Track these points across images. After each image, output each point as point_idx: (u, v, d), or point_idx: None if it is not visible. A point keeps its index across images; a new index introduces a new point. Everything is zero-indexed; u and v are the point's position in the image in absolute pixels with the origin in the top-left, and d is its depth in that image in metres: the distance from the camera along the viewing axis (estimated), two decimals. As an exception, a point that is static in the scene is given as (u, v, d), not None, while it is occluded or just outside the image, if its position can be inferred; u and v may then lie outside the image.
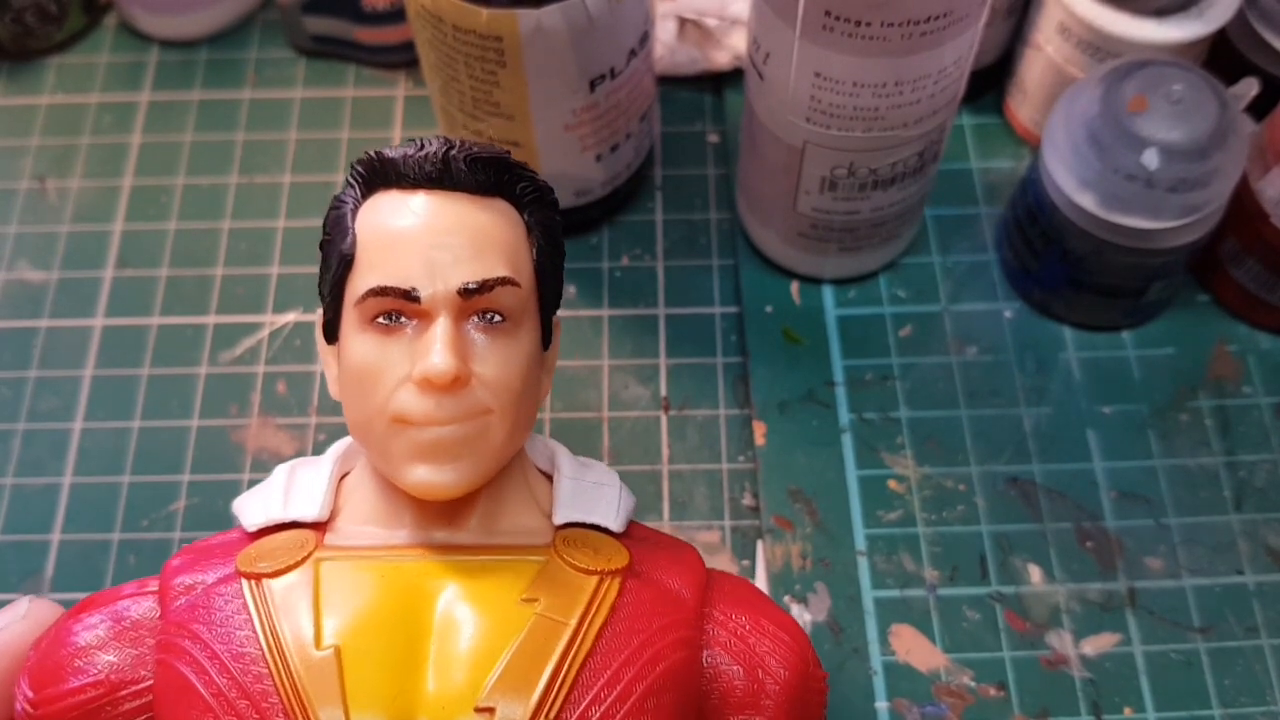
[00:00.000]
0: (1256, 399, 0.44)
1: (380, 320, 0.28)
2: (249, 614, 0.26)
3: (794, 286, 0.46)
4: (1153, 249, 0.41)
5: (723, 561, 0.41)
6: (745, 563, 0.41)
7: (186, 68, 0.53)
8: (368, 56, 0.53)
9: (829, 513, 0.41)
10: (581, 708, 0.25)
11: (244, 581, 0.27)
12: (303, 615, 0.26)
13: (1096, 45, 0.43)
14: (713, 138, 0.51)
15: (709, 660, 0.28)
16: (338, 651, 0.25)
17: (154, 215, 0.49)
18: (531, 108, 0.40)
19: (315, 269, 0.47)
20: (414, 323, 0.28)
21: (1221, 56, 0.44)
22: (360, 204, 0.29)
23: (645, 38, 0.42)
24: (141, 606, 0.28)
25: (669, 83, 0.52)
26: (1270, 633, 0.39)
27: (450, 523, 0.29)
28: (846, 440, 0.43)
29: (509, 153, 0.30)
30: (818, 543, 0.41)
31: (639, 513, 0.42)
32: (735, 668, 0.28)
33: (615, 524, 0.30)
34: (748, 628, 0.29)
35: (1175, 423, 0.43)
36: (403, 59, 0.52)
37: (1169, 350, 0.45)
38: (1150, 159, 0.39)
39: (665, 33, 0.50)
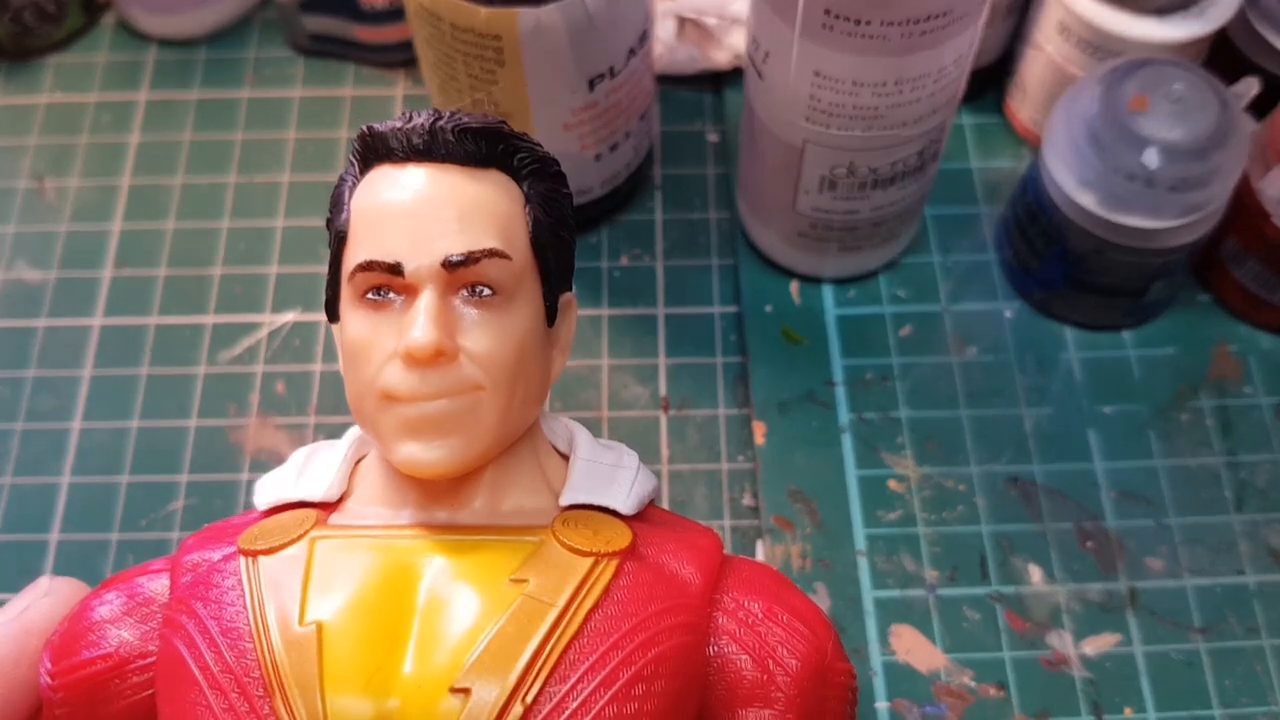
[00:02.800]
0: (1257, 399, 0.44)
1: (370, 296, 0.27)
2: (241, 590, 0.26)
3: (794, 286, 0.46)
4: (1153, 248, 0.41)
5: (722, 562, 0.41)
6: (745, 563, 0.41)
7: (185, 67, 0.53)
8: (366, 55, 0.52)
9: (829, 513, 0.41)
10: (562, 692, 0.25)
11: (241, 559, 0.27)
12: (290, 592, 0.26)
13: (1097, 44, 0.43)
14: (712, 137, 0.51)
15: (716, 649, 0.27)
16: (319, 628, 0.25)
17: (152, 215, 0.49)
18: (530, 107, 0.40)
19: (314, 269, 0.48)
20: (402, 298, 0.27)
21: (1222, 56, 0.44)
22: (358, 180, 0.29)
23: (644, 37, 0.42)
24: (156, 583, 0.28)
25: (668, 82, 0.52)
26: (1271, 633, 0.39)
27: (453, 503, 0.28)
28: (846, 440, 0.43)
29: (505, 122, 0.29)
30: (818, 543, 0.41)
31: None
32: (743, 658, 0.27)
33: (625, 506, 0.29)
34: (759, 615, 0.28)
35: (1176, 423, 0.43)
36: (401, 58, 0.52)
37: (1170, 350, 0.45)
38: (1151, 158, 0.39)
39: (665, 31, 0.50)
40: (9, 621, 0.28)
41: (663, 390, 0.45)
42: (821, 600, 0.40)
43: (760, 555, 0.41)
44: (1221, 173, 0.39)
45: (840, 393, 0.44)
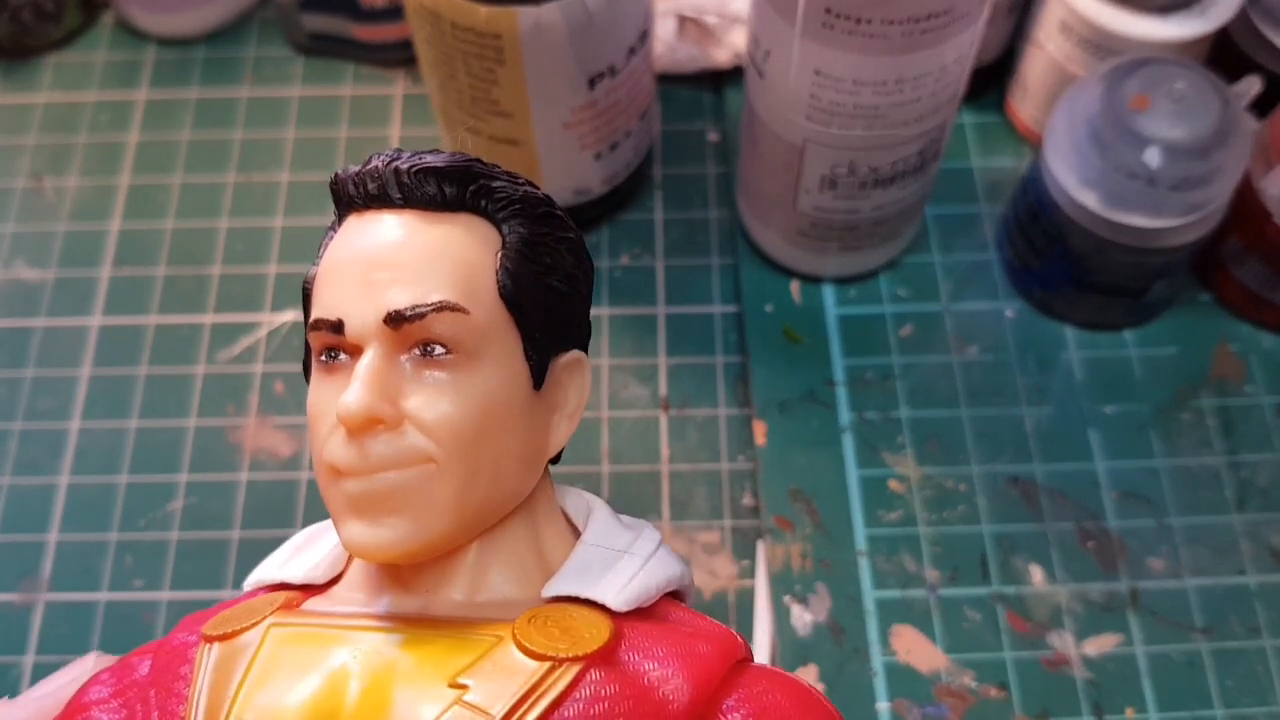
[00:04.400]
0: (1259, 398, 0.43)
1: (323, 358, 0.25)
2: (190, 679, 0.25)
3: (794, 285, 0.46)
4: (1155, 248, 0.41)
5: (722, 561, 0.41)
6: (745, 562, 0.41)
7: (184, 66, 0.53)
8: (366, 54, 0.52)
9: (829, 513, 0.41)
10: None
11: (201, 644, 0.25)
12: (227, 685, 0.24)
13: (1098, 43, 0.43)
14: (713, 136, 0.51)
15: None
16: None
17: (151, 214, 0.49)
18: (530, 106, 0.40)
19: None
20: (353, 360, 0.25)
21: (1223, 54, 0.44)
22: (335, 232, 0.27)
23: (645, 35, 0.42)
24: (146, 664, 0.27)
25: (669, 81, 0.51)
26: (1272, 633, 0.39)
27: (429, 591, 0.26)
28: (847, 440, 0.43)
29: (476, 160, 0.26)
30: (818, 543, 0.41)
31: (640, 517, 0.42)
32: None
33: (615, 600, 0.25)
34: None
35: (1177, 422, 0.43)
36: (401, 57, 0.52)
37: (1171, 350, 0.45)
38: (1152, 157, 0.39)
39: (665, 30, 0.50)
40: (46, 695, 0.27)
41: (663, 390, 0.44)
42: (822, 600, 0.40)
43: (760, 555, 0.41)
44: (1223, 172, 0.39)
45: (841, 392, 0.44)
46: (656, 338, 0.46)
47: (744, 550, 0.41)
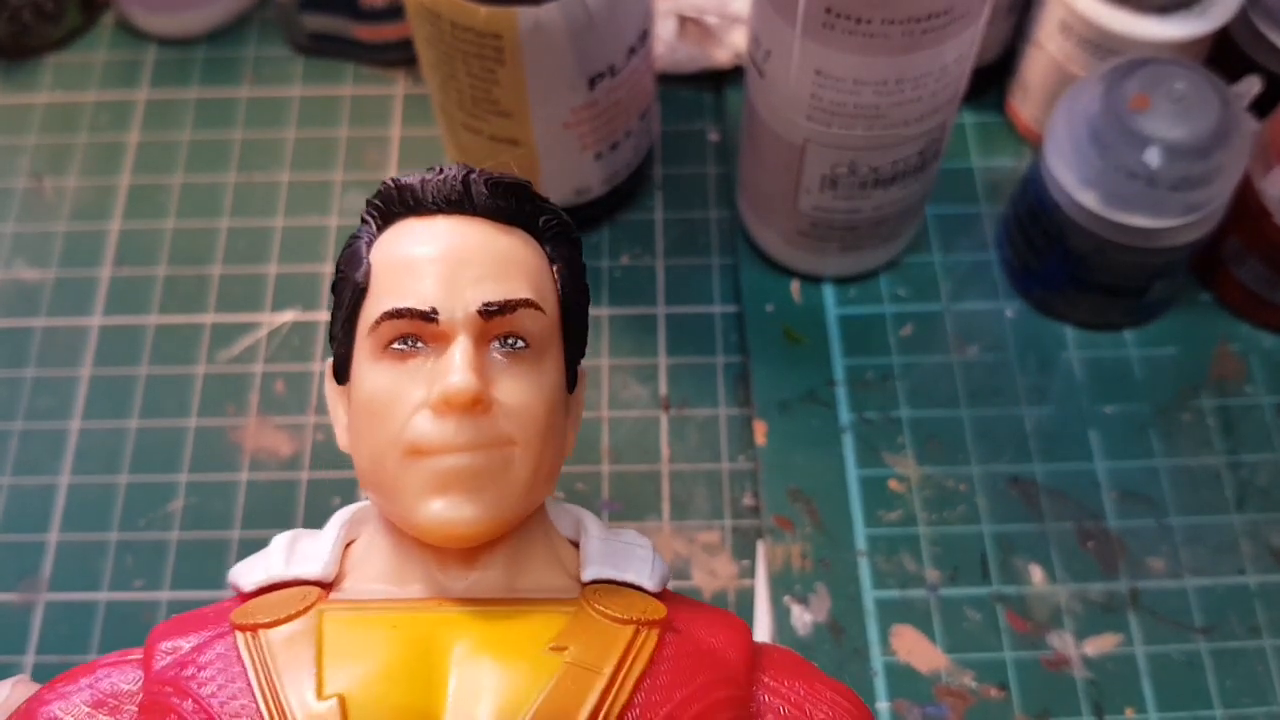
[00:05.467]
0: (1259, 398, 0.43)
1: (395, 346, 0.26)
2: (243, 666, 0.24)
3: (794, 285, 0.46)
4: (1155, 248, 0.41)
5: (722, 561, 0.41)
6: (745, 562, 0.41)
7: (184, 66, 0.53)
8: (366, 54, 0.52)
9: (829, 513, 0.41)
10: None
11: (239, 634, 0.25)
12: (303, 666, 0.24)
13: (1098, 43, 0.43)
14: (713, 136, 0.51)
15: None
16: (341, 702, 0.23)
17: (151, 214, 0.49)
18: (530, 105, 0.40)
19: (314, 268, 0.48)
20: (431, 347, 0.26)
21: (1224, 54, 0.44)
22: (376, 236, 0.28)
23: (645, 35, 0.42)
24: (123, 675, 0.26)
25: (669, 81, 0.51)
26: (1272, 633, 0.39)
27: (470, 577, 0.27)
28: (847, 440, 0.43)
29: (530, 183, 0.29)
30: (818, 543, 0.41)
31: (640, 517, 0.42)
32: None
33: (650, 583, 0.28)
34: (803, 694, 0.27)
35: (1177, 422, 0.43)
36: (401, 57, 0.52)
37: (1171, 350, 0.45)
38: (1152, 157, 0.39)
39: (665, 30, 0.50)
40: None
41: (663, 390, 0.44)
42: (822, 600, 0.40)
43: (760, 555, 0.41)
44: (1223, 172, 0.39)
45: (841, 392, 0.44)
46: (656, 338, 0.46)
47: (744, 550, 0.41)
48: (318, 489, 0.43)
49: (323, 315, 0.46)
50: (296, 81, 0.52)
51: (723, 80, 0.52)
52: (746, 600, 0.40)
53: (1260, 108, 0.42)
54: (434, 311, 0.26)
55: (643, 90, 0.44)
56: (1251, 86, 0.41)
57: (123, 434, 0.44)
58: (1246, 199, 0.42)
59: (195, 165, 0.50)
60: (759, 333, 0.45)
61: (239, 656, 0.25)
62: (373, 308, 0.27)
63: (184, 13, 0.52)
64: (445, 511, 0.25)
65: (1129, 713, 0.38)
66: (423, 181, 0.28)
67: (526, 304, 0.26)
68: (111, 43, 0.54)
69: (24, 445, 0.44)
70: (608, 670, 0.24)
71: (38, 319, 0.47)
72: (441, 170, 0.28)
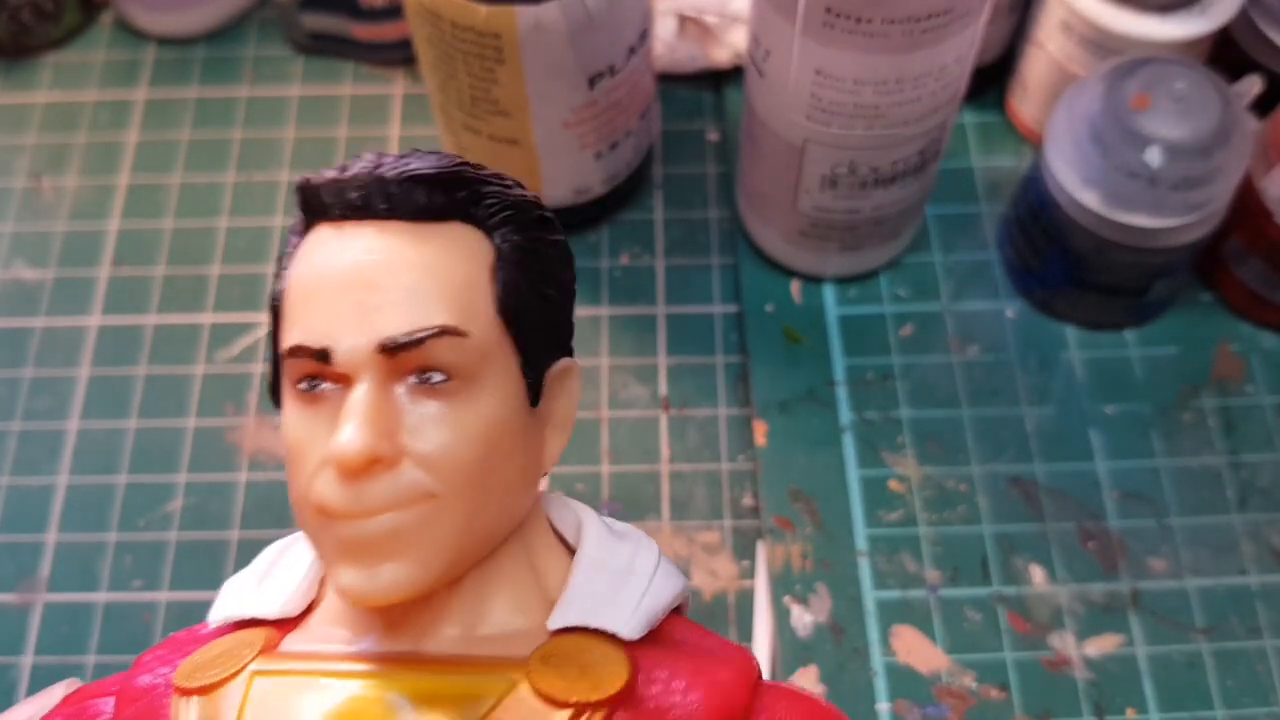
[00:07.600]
0: (1260, 398, 0.43)
1: (301, 387, 0.23)
2: None
3: (794, 285, 0.46)
4: (1155, 247, 0.41)
5: (723, 562, 0.41)
6: (745, 563, 0.41)
7: (183, 65, 0.53)
8: (365, 54, 0.52)
9: (829, 513, 0.41)
10: None
11: (175, 698, 0.23)
12: None
13: (1099, 42, 0.43)
14: (713, 136, 0.50)
15: None
16: None
17: (150, 214, 0.49)
18: (530, 105, 0.40)
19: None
20: (338, 389, 0.23)
21: (1224, 54, 0.44)
22: (297, 247, 0.25)
23: (645, 35, 0.42)
24: (108, 704, 0.25)
25: (669, 80, 0.51)
26: (1273, 633, 0.39)
27: (420, 628, 0.24)
28: (847, 440, 0.43)
29: (465, 163, 0.24)
30: (818, 543, 0.41)
31: (640, 517, 0.42)
32: None
33: (628, 628, 0.24)
34: None
35: (1178, 422, 0.43)
36: (400, 56, 0.52)
37: (1172, 349, 0.45)
38: (1153, 157, 0.38)
39: (665, 30, 0.50)
40: None
41: (663, 390, 0.44)
42: (822, 601, 0.40)
43: (760, 555, 0.41)
44: (1224, 171, 0.39)
45: (841, 392, 0.44)
46: (656, 338, 0.45)
47: (744, 550, 0.41)
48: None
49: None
50: (296, 81, 0.52)
51: (722, 80, 0.52)
52: (746, 601, 0.40)
53: (1261, 107, 0.42)
54: (327, 351, 0.22)
55: (642, 90, 0.44)
56: (1252, 86, 0.40)
57: (121, 434, 0.44)
58: (1247, 199, 0.42)
59: (194, 165, 0.50)
60: (759, 333, 0.45)
61: None
62: (283, 337, 0.24)
63: (183, 12, 0.52)
64: (359, 582, 0.22)
65: (1130, 713, 0.38)
66: (326, 182, 0.23)
67: (442, 332, 0.22)
68: (110, 42, 0.54)
69: (22, 445, 0.44)
70: None
71: (36, 319, 0.47)
72: (347, 166, 0.24)
